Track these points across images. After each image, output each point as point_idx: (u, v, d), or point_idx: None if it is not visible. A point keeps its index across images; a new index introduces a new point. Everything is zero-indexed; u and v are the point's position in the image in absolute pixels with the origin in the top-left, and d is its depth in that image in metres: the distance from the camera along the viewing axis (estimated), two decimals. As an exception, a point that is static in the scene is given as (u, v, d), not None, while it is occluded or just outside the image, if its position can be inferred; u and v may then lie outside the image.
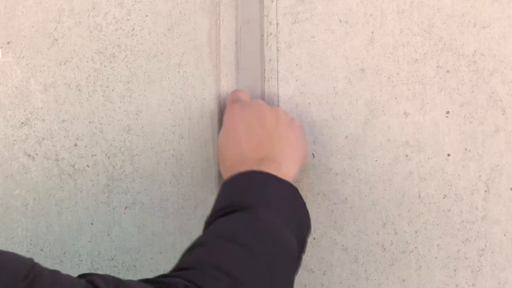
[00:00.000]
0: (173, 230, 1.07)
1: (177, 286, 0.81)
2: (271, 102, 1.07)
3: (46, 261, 1.06)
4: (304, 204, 0.96)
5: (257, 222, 0.90)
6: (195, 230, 1.07)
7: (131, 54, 1.07)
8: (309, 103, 1.07)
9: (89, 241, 1.07)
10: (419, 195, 1.05)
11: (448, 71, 1.06)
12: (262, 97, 1.07)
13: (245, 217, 0.90)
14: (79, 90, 1.07)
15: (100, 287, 0.76)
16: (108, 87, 1.07)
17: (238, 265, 0.85)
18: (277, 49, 1.07)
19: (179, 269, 0.86)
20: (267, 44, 1.07)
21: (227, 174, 0.98)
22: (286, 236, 0.90)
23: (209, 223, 0.92)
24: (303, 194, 1.05)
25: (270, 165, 0.95)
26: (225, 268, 0.83)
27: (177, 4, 1.07)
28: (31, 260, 0.76)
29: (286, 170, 0.96)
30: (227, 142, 1.01)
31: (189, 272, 0.84)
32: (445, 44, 1.06)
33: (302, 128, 1.03)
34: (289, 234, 0.90)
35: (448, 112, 1.05)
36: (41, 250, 1.06)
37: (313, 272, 1.06)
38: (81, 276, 0.79)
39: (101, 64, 1.07)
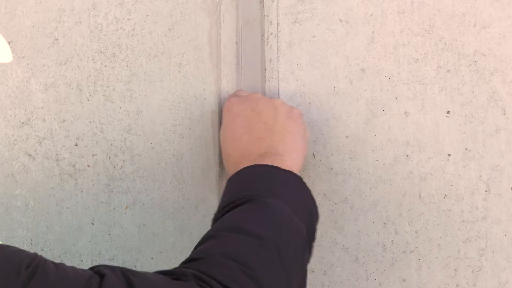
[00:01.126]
0: (174, 230, 1.07)
1: (185, 274, 0.80)
2: (271, 102, 1.07)
3: (47, 261, 1.06)
4: (310, 192, 0.96)
5: (265, 211, 0.90)
6: (196, 229, 1.07)
7: (131, 54, 1.07)
8: (310, 103, 1.07)
9: (89, 241, 1.07)
10: (420, 195, 1.05)
11: (448, 71, 1.06)
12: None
13: (252, 208, 0.90)
14: (80, 90, 1.07)
15: (105, 274, 0.76)
16: (108, 87, 1.07)
17: (248, 252, 0.84)
18: (278, 49, 1.07)
19: (188, 261, 0.85)
20: (267, 44, 1.07)
21: (231, 170, 0.98)
22: (295, 223, 0.90)
23: (216, 219, 0.93)
24: (303, 194, 1.05)
25: (274, 159, 0.96)
26: (235, 256, 0.83)
27: (178, 4, 1.07)
28: (35, 253, 0.76)
29: (290, 162, 0.96)
30: (227, 139, 1.01)
31: (198, 262, 0.83)
32: (445, 44, 1.06)
33: (302, 116, 1.02)
34: (298, 221, 0.90)
35: (448, 112, 1.05)
36: (42, 250, 1.06)
37: (314, 272, 1.06)
38: (89, 269, 0.79)
39: (101, 64, 1.07)
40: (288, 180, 0.94)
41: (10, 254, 0.74)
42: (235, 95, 1.04)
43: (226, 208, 0.92)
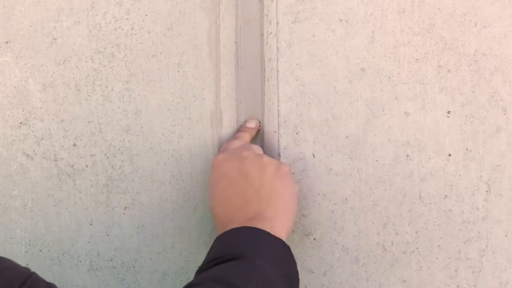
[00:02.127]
0: (173, 231, 1.07)
1: None
2: (271, 102, 1.07)
3: (45, 262, 1.06)
4: (295, 263, 0.95)
5: (254, 271, 0.89)
6: (195, 230, 1.06)
7: (130, 53, 1.07)
8: (309, 103, 1.06)
9: (88, 242, 1.06)
10: (420, 195, 1.05)
11: (449, 71, 1.05)
12: (262, 97, 1.07)
13: (241, 265, 0.89)
14: (78, 89, 1.07)
15: None
16: (107, 86, 1.07)
17: None
18: (277, 48, 1.07)
19: None
20: (267, 44, 1.07)
21: (219, 229, 0.97)
22: (279, 286, 0.90)
23: (201, 271, 0.91)
24: (303, 194, 1.05)
25: (263, 224, 0.94)
26: None
27: (177, 3, 1.07)
28: (27, 269, 0.75)
29: (280, 228, 0.95)
30: (214, 199, 1.00)
31: None
32: (446, 43, 1.05)
33: (290, 173, 1.01)
34: (281, 286, 0.90)
35: (449, 112, 1.05)
36: (40, 250, 1.06)
37: (313, 272, 1.06)
38: None
39: (100, 63, 1.07)
40: (276, 247, 0.94)
41: (5, 269, 0.73)
42: (223, 150, 1.03)
43: (212, 262, 0.91)
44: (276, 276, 0.90)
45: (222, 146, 1.05)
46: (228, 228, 0.95)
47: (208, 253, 0.94)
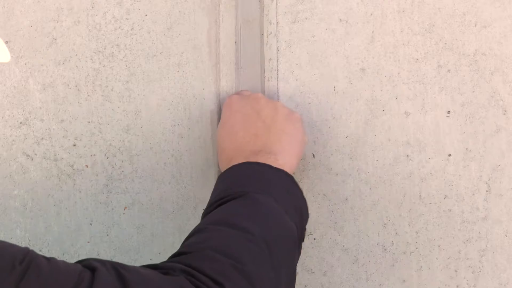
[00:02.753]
0: (173, 231, 1.07)
1: (174, 269, 0.80)
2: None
3: (45, 262, 1.06)
4: (301, 191, 0.96)
5: (256, 207, 0.89)
6: (195, 230, 1.06)
7: (130, 53, 1.07)
8: (309, 103, 1.06)
9: (88, 242, 1.06)
10: (420, 195, 1.05)
11: (449, 71, 1.05)
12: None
13: (243, 203, 0.90)
14: (78, 89, 1.06)
15: (96, 268, 0.76)
16: (107, 86, 1.07)
17: (238, 247, 0.84)
18: (277, 48, 1.07)
19: (177, 254, 0.85)
20: (267, 44, 1.07)
21: (224, 166, 0.98)
22: (285, 220, 0.89)
23: (206, 213, 0.92)
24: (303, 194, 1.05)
25: (267, 157, 0.95)
26: (224, 250, 0.83)
27: (177, 3, 1.07)
28: (26, 247, 0.76)
29: (283, 162, 0.96)
30: (223, 133, 1.01)
31: (187, 256, 0.83)
32: (446, 43, 1.05)
33: (301, 121, 1.02)
34: (288, 219, 0.90)
35: (449, 112, 1.05)
36: (40, 250, 1.06)
37: (313, 272, 1.06)
38: (77, 262, 0.78)
39: (100, 63, 1.06)
40: (279, 178, 0.94)
41: (3, 248, 0.74)
42: (237, 93, 1.04)
43: (216, 203, 0.91)
44: (282, 209, 0.90)
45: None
46: (233, 163, 0.95)
47: (213, 192, 0.95)
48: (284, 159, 0.96)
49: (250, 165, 0.94)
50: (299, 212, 0.93)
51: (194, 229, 0.89)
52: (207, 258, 0.82)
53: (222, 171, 0.98)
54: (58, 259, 0.77)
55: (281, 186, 0.93)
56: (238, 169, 0.95)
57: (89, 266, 0.76)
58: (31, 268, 0.73)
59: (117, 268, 0.77)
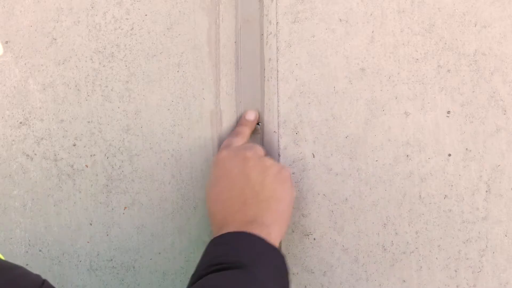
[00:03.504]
0: (172, 231, 1.07)
1: None
2: (271, 102, 1.07)
3: (45, 262, 1.06)
4: (288, 273, 0.95)
5: (254, 283, 0.88)
6: (194, 230, 1.06)
7: (130, 53, 1.07)
8: (309, 103, 1.06)
9: (88, 242, 1.06)
10: (420, 195, 1.05)
11: (449, 71, 1.05)
12: (262, 97, 1.07)
13: (242, 276, 0.89)
14: (78, 89, 1.07)
15: None
16: (107, 86, 1.07)
17: None
18: (277, 48, 1.07)
19: None
20: (267, 44, 1.07)
21: (215, 230, 0.97)
22: None
23: (199, 277, 0.90)
24: (303, 194, 1.05)
25: (261, 230, 0.94)
26: None
27: (177, 3, 1.07)
28: (39, 276, 0.75)
29: (275, 235, 0.95)
30: (213, 197, 0.99)
31: None
32: (446, 43, 1.05)
33: (290, 178, 1.01)
34: None
35: (449, 112, 1.05)
36: (40, 250, 1.06)
37: (313, 272, 1.06)
38: None
39: (100, 63, 1.06)
40: (273, 257, 0.93)
41: (18, 277, 0.73)
42: (225, 147, 1.03)
43: (211, 268, 0.90)
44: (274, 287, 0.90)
45: (223, 142, 1.05)
46: (225, 230, 0.94)
47: (204, 256, 0.93)
48: (275, 232, 0.95)
49: (246, 236, 0.93)
50: None
51: None
52: None
53: (213, 233, 0.97)
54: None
55: (274, 264, 0.93)
56: (233, 237, 0.93)
57: None
58: None
59: None
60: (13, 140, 1.06)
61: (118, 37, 1.07)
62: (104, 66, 1.06)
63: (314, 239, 1.06)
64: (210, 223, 1.00)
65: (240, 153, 1.00)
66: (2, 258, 0.77)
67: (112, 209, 1.07)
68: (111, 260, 1.06)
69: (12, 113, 1.06)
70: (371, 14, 1.06)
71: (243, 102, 1.08)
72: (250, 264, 0.90)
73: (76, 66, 1.06)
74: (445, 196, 1.05)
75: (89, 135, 1.06)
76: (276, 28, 1.07)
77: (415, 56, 1.05)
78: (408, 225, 1.05)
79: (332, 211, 1.06)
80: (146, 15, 1.07)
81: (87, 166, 1.06)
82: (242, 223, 0.95)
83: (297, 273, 1.06)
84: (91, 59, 1.06)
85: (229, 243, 0.93)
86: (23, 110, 1.06)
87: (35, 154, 1.06)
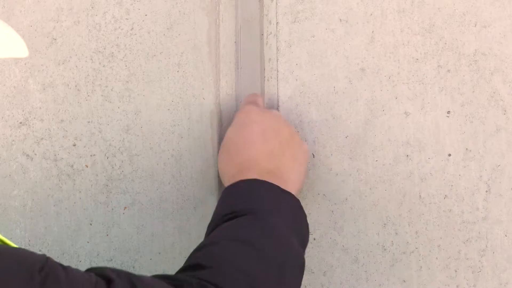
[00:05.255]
0: (173, 231, 1.07)
1: (190, 283, 0.79)
2: (271, 102, 1.07)
3: (45, 262, 1.06)
4: (305, 216, 0.96)
5: (269, 230, 0.89)
6: (195, 230, 1.06)
7: (130, 53, 1.07)
8: (309, 103, 1.06)
9: (88, 242, 1.06)
10: (420, 195, 1.05)
11: (449, 71, 1.05)
12: (262, 97, 1.07)
13: (257, 223, 0.90)
14: (78, 89, 1.06)
15: (112, 279, 0.75)
16: (107, 86, 1.06)
17: (254, 266, 0.84)
18: (277, 48, 1.07)
19: (192, 267, 0.84)
20: (266, 44, 1.07)
21: (230, 172, 0.97)
22: (295, 245, 0.90)
23: (214, 226, 0.92)
24: (303, 194, 1.05)
25: (277, 180, 0.95)
26: (242, 268, 0.83)
27: (177, 3, 1.07)
28: (44, 255, 0.75)
29: (290, 189, 0.96)
30: (238, 139, 1.00)
31: (206, 271, 0.82)
32: (446, 43, 1.05)
33: (308, 154, 1.03)
34: (296, 243, 0.90)
35: (449, 112, 1.05)
36: (40, 250, 1.06)
37: (313, 272, 1.06)
38: (91, 270, 0.78)
39: (100, 63, 1.06)
40: (288, 202, 0.94)
41: (22, 256, 0.74)
42: (254, 101, 1.03)
43: (226, 216, 0.91)
44: (290, 234, 0.90)
45: (242, 101, 1.05)
46: (240, 177, 0.95)
47: (220, 205, 0.94)
48: (291, 187, 0.97)
49: (262, 184, 0.94)
50: (302, 236, 0.94)
51: (206, 241, 0.88)
52: (226, 276, 0.81)
53: (227, 174, 0.97)
54: (73, 267, 0.76)
55: (290, 210, 0.94)
56: (249, 185, 0.94)
57: (105, 276, 0.76)
58: (50, 278, 0.72)
59: (133, 282, 0.77)
60: (13, 140, 1.06)
61: (118, 37, 1.07)
62: (104, 66, 1.06)
63: (314, 239, 1.06)
64: (224, 165, 1.00)
65: (271, 112, 1.02)
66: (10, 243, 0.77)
67: (112, 209, 1.07)
68: (111, 260, 1.06)
69: (12, 113, 1.06)
70: (371, 14, 1.06)
71: (243, 102, 1.07)
72: (265, 212, 0.91)
73: (76, 66, 1.06)
74: (445, 196, 1.05)
75: (89, 135, 1.06)
76: (276, 28, 1.07)
77: (415, 56, 1.05)
78: (408, 225, 1.05)
79: (332, 211, 1.06)
80: (146, 15, 1.07)
81: (87, 166, 1.06)
82: (263, 170, 0.96)
83: (297, 273, 1.06)
84: (91, 59, 1.06)
85: (244, 191, 0.94)
86: (23, 110, 1.06)
87: (35, 154, 1.06)
